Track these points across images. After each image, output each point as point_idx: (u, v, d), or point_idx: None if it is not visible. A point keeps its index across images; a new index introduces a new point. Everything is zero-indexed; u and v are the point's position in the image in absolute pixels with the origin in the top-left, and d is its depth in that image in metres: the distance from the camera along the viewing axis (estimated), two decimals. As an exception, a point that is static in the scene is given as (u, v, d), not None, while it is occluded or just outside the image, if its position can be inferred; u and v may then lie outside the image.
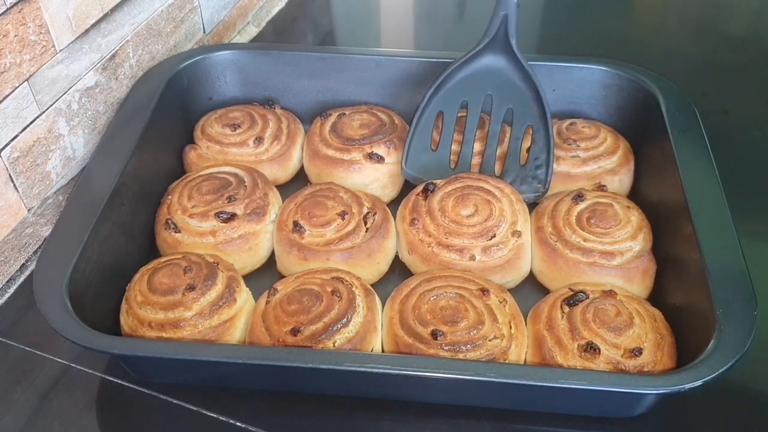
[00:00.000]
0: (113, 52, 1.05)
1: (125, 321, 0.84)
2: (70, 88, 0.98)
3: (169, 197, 0.98)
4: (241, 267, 0.93)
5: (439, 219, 0.93)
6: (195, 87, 1.13)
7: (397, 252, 0.97)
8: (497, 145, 1.01)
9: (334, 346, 0.79)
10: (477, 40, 0.99)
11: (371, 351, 0.82)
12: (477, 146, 1.02)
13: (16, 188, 0.92)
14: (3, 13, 0.84)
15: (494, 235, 0.91)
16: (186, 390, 0.82)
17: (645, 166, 1.02)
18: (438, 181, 0.98)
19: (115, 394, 0.83)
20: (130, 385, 0.83)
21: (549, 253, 0.91)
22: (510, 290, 0.88)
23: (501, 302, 0.85)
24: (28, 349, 0.88)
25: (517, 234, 0.92)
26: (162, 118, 1.03)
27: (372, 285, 0.91)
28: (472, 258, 0.90)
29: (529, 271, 0.94)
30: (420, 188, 0.97)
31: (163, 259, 0.89)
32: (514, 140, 1.00)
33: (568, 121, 1.06)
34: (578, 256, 0.90)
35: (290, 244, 0.93)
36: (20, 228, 0.94)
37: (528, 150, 1.00)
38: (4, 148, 0.89)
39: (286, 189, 1.04)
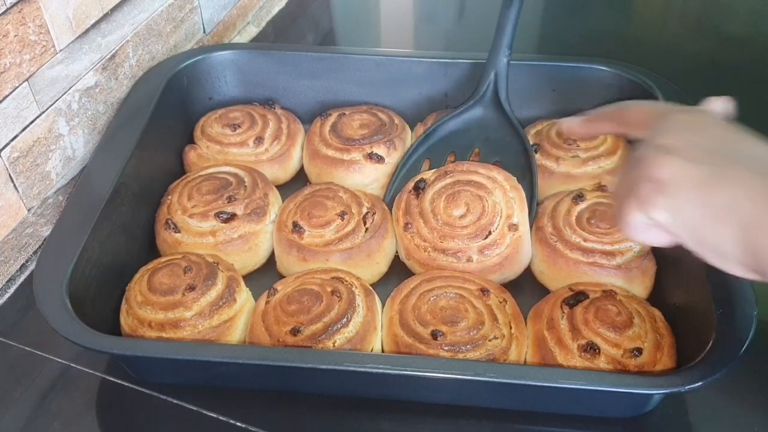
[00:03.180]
0: (113, 52, 1.05)
1: (125, 321, 0.84)
2: (70, 88, 0.98)
3: (169, 197, 0.98)
4: (241, 267, 0.93)
5: (432, 222, 0.92)
6: (195, 87, 1.13)
7: (397, 252, 0.97)
8: None
9: (334, 346, 0.79)
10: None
11: (371, 351, 0.82)
12: None
13: (16, 188, 0.92)
14: (3, 13, 0.84)
15: (489, 233, 0.91)
16: (186, 390, 0.82)
17: (645, 166, 1.02)
18: (428, 175, 0.97)
19: (115, 394, 0.83)
20: (130, 385, 0.83)
21: (549, 253, 0.91)
22: (510, 290, 0.88)
23: (501, 302, 0.85)
24: (28, 349, 0.88)
25: (513, 227, 0.91)
26: (162, 118, 1.03)
27: (372, 285, 0.91)
28: (470, 260, 0.90)
29: (529, 260, 0.93)
30: (411, 185, 0.96)
31: (163, 259, 0.89)
32: None
33: (568, 121, 1.06)
34: (578, 256, 0.90)
35: (290, 244, 0.93)
36: (20, 228, 0.95)
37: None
38: (4, 148, 0.89)
39: (286, 189, 1.04)
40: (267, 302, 0.85)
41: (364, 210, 0.96)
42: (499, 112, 1.02)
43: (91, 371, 0.85)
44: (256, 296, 0.89)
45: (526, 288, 0.93)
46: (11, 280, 0.95)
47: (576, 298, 0.83)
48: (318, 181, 1.05)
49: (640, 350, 0.77)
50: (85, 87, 1.01)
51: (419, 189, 0.95)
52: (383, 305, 0.87)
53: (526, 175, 0.97)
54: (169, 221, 0.95)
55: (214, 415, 0.80)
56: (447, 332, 0.80)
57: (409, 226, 0.93)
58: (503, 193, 0.93)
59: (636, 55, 1.24)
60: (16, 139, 0.91)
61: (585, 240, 0.91)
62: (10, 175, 0.91)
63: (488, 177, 0.95)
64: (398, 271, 0.96)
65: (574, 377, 0.72)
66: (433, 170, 0.98)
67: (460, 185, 0.94)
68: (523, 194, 0.95)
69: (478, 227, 0.91)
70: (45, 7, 0.90)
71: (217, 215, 0.94)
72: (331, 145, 1.05)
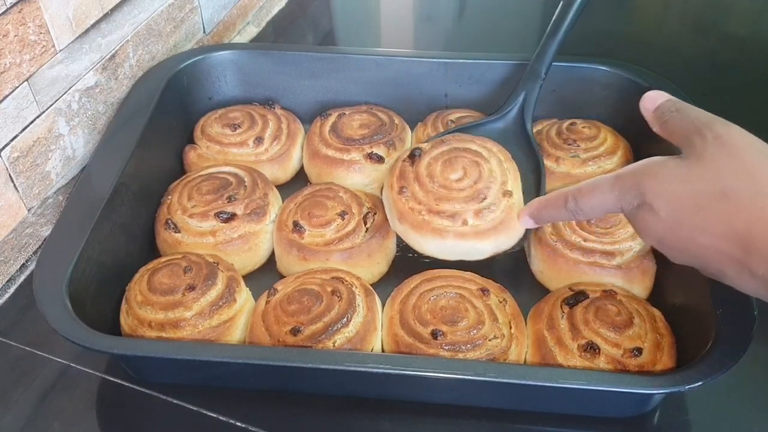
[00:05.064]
0: (113, 52, 1.05)
1: (125, 321, 0.84)
2: (70, 88, 0.98)
3: (169, 197, 0.98)
4: (241, 267, 0.93)
5: (428, 185, 0.90)
6: (195, 87, 1.13)
7: (396, 251, 0.97)
8: None
9: (334, 346, 0.79)
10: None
11: (371, 351, 0.82)
12: None
13: (16, 188, 0.92)
14: (3, 13, 0.84)
15: (485, 197, 0.89)
16: (186, 390, 0.82)
17: (645, 166, 1.02)
18: (424, 146, 0.95)
19: (115, 394, 0.83)
20: (130, 385, 0.83)
21: (549, 253, 0.91)
22: (510, 290, 0.88)
23: (501, 302, 0.85)
24: (28, 349, 0.88)
25: (508, 194, 0.89)
26: (162, 118, 1.03)
27: (372, 285, 0.91)
28: (465, 222, 0.88)
29: (522, 230, 0.90)
30: (406, 154, 0.95)
31: (163, 259, 0.89)
32: None
33: (568, 121, 1.06)
34: (578, 256, 0.90)
35: (290, 244, 0.93)
36: (20, 228, 0.95)
37: None
38: (4, 148, 0.89)
39: (286, 189, 1.04)
40: (267, 302, 0.85)
41: (365, 210, 0.96)
42: (519, 131, 1.02)
43: (91, 371, 0.85)
44: (256, 296, 0.89)
45: (526, 288, 0.93)
46: (11, 280, 0.95)
47: (576, 298, 0.83)
48: (318, 181, 1.05)
49: (640, 350, 0.77)
50: (85, 87, 1.01)
51: (414, 156, 0.93)
52: (383, 305, 0.87)
53: (532, 193, 0.95)
54: (169, 221, 0.95)
55: (214, 415, 0.80)
56: (447, 332, 0.80)
57: (404, 189, 0.91)
58: (499, 162, 0.92)
59: (636, 55, 1.24)
60: (16, 139, 0.91)
61: (585, 240, 0.91)
62: (10, 175, 0.91)
63: (484, 147, 0.94)
64: (398, 271, 0.96)
65: (574, 377, 0.72)
66: (429, 141, 0.96)
67: (457, 152, 0.93)
68: (517, 169, 0.94)
69: (475, 190, 0.89)
70: (45, 7, 0.90)
71: (217, 215, 0.94)
72: (331, 145, 1.05)
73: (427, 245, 0.89)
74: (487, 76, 1.10)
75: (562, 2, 1.00)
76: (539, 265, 0.93)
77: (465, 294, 0.84)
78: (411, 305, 0.83)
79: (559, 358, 0.79)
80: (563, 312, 0.83)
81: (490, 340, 0.80)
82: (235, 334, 0.84)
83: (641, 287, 0.89)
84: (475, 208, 0.88)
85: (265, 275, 0.96)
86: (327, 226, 0.93)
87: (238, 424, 0.79)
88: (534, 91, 1.02)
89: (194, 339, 0.81)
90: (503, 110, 1.02)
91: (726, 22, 1.49)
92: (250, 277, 0.94)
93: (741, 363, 0.70)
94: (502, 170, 0.92)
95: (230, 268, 0.89)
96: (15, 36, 0.87)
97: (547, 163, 1.01)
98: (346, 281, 0.86)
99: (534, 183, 0.97)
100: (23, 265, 0.97)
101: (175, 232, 0.94)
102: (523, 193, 0.95)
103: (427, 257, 0.97)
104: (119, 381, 0.84)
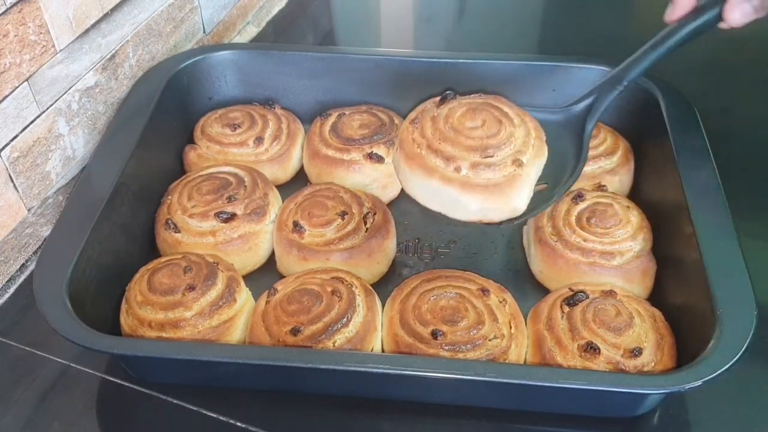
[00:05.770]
0: (113, 52, 1.05)
1: (125, 321, 0.84)
2: (70, 88, 0.98)
3: (169, 197, 0.98)
4: (241, 267, 0.93)
5: (440, 124, 0.84)
6: (195, 87, 1.13)
7: (396, 251, 0.97)
8: None
9: (334, 346, 0.79)
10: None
11: (371, 351, 0.82)
12: None
13: (16, 188, 0.92)
14: (3, 13, 0.84)
15: (490, 156, 0.82)
16: (186, 390, 0.82)
17: (645, 166, 1.02)
18: (460, 95, 0.90)
19: (115, 394, 0.84)
20: (130, 385, 0.83)
21: (549, 253, 0.91)
22: (510, 290, 0.88)
23: (501, 302, 0.85)
24: (28, 349, 0.88)
25: (518, 162, 0.82)
26: (162, 118, 1.03)
27: (372, 285, 0.91)
28: (457, 170, 0.81)
29: (520, 208, 0.83)
30: (439, 97, 0.89)
31: (163, 259, 0.89)
32: None
33: (568, 121, 1.06)
34: (578, 256, 0.90)
35: (290, 244, 0.93)
36: (20, 228, 0.95)
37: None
38: (4, 148, 0.89)
39: (286, 189, 1.04)
40: (267, 302, 0.85)
41: (365, 210, 0.96)
42: (575, 127, 0.95)
43: (91, 371, 0.85)
44: (256, 296, 0.89)
45: (526, 288, 0.93)
46: (11, 280, 0.95)
47: (576, 298, 0.83)
48: (318, 181, 1.05)
49: (640, 350, 0.77)
50: (85, 87, 1.01)
51: (445, 98, 0.88)
52: (383, 305, 0.87)
53: (557, 186, 0.90)
54: (169, 221, 0.95)
55: (214, 415, 0.80)
56: (447, 332, 0.80)
57: (417, 121, 0.86)
58: (526, 134, 0.85)
59: (636, 55, 1.24)
60: (16, 139, 0.91)
61: (585, 240, 0.91)
62: (10, 175, 0.91)
63: (518, 115, 0.87)
64: (398, 271, 0.96)
65: (574, 377, 0.72)
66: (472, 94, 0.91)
67: (486, 106, 0.87)
68: (545, 151, 0.87)
69: (483, 144, 0.82)
70: (45, 7, 0.90)
71: (217, 215, 0.94)
72: (331, 145, 1.05)
73: (413, 181, 0.84)
74: (487, 76, 1.10)
75: (678, 22, 0.93)
76: (539, 265, 0.93)
77: (465, 294, 0.84)
78: (411, 305, 0.83)
79: (558, 358, 0.79)
80: (563, 312, 0.83)
81: (490, 340, 0.80)
82: (235, 334, 0.84)
83: (641, 287, 0.89)
84: (473, 160, 0.81)
85: (265, 275, 0.96)
86: (327, 226, 0.93)
87: (238, 424, 0.79)
88: (609, 95, 0.94)
89: (194, 339, 0.81)
90: (567, 104, 0.96)
91: (726, 22, 1.49)
92: (250, 277, 0.94)
93: (741, 363, 0.70)
94: (524, 141, 0.85)
95: (230, 268, 0.89)
96: (15, 36, 0.87)
97: (547, 162, 1.00)
98: (346, 281, 0.86)
99: (565, 178, 0.91)
100: (23, 265, 0.97)
101: (175, 232, 0.94)
102: (548, 185, 0.89)
103: (427, 256, 0.97)
104: (119, 381, 0.84)
